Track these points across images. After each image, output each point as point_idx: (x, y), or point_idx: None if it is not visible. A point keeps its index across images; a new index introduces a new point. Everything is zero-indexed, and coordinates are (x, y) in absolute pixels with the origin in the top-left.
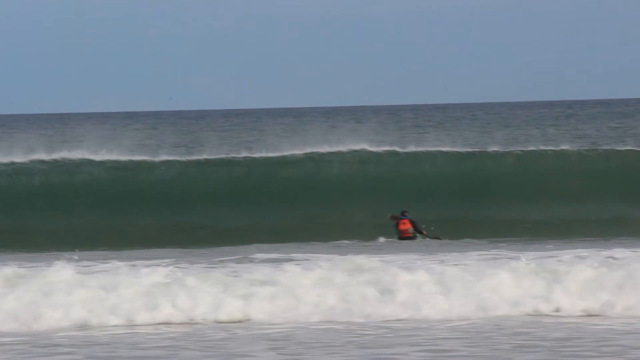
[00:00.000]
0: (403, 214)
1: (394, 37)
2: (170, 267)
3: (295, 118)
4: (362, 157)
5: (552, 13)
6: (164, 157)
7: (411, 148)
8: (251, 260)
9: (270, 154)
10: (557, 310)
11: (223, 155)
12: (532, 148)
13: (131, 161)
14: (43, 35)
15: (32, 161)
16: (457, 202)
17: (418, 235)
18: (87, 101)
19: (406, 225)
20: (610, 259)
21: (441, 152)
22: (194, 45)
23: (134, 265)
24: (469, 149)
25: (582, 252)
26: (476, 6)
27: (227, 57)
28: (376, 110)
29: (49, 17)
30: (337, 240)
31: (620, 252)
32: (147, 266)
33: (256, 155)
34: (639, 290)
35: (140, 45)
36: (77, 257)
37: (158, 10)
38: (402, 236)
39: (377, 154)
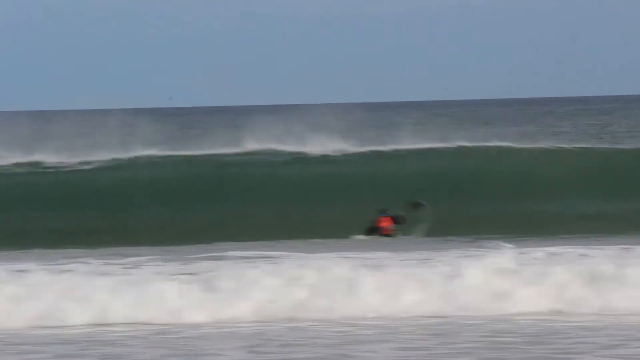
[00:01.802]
0: (383, 212)
1: (392, 37)
2: (145, 265)
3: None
4: (342, 155)
5: (536, 13)
6: (135, 154)
7: (392, 146)
8: (223, 259)
9: (237, 150)
10: (530, 308)
11: (200, 152)
12: (511, 144)
13: (107, 158)
14: (43, 35)
15: None
16: (438, 199)
17: (396, 232)
18: (87, 99)
19: (386, 223)
20: (583, 256)
21: (420, 149)
22: (194, 45)
23: (106, 263)
24: (447, 145)
25: (557, 249)
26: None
27: (227, 56)
28: (362, 107)
29: (48, 17)
30: (314, 238)
31: (595, 250)
32: (119, 264)
33: (230, 151)
34: (610, 288)
35: (140, 45)
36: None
37: (158, 9)
38: (382, 233)
39: (356, 153)
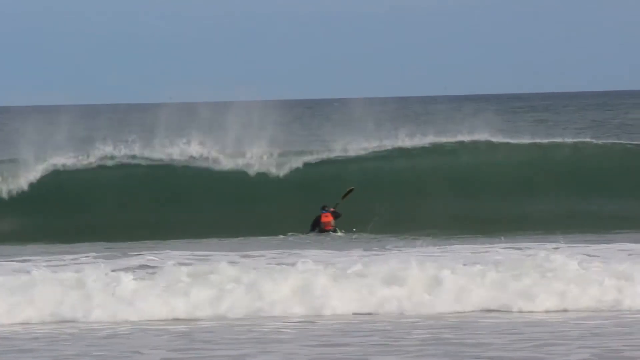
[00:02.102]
0: (323, 208)
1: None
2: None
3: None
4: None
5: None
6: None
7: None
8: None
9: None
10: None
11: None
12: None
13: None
14: (44, 32)
15: None
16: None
17: (338, 229)
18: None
19: (328, 218)
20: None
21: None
22: (194, 43)
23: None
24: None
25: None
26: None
27: (227, 53)
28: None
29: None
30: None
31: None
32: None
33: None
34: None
35: (140, 43)
36: None
37: (158, 9)
38: (325, 228)
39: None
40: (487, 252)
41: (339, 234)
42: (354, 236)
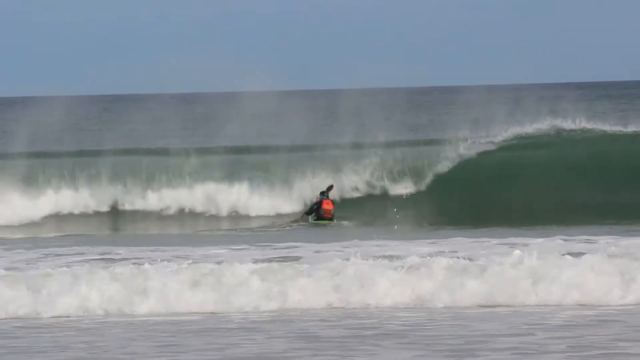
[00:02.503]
0: (323, 194)
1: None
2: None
3: None
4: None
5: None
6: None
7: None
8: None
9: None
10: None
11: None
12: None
13: None
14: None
15: None
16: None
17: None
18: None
19: (329, 206)
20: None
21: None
22: (196, 36)
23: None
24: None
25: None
26: None
27: (226, 47)
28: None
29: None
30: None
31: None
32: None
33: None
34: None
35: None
36: None
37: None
38: (324, 216)
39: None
40: (484, 244)
41: (344, 222)
42: (344, 224)
